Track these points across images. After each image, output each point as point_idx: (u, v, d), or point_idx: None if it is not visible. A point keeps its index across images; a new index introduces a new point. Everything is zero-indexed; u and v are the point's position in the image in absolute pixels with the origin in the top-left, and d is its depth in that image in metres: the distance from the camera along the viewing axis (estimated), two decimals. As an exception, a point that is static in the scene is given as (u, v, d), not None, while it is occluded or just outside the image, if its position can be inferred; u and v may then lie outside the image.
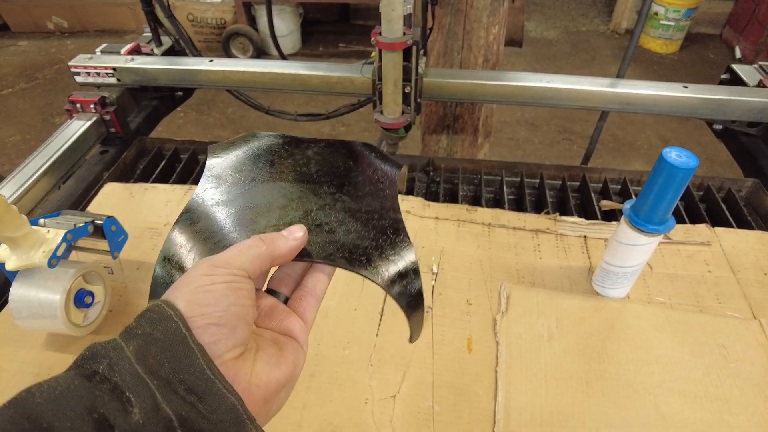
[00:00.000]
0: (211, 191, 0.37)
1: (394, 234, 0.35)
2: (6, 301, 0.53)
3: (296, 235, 0.32)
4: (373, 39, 0.73)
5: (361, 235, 0.34)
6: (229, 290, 0.28)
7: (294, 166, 0.39)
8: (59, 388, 0.23)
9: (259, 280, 0.34)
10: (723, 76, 0.93)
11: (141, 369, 0.24)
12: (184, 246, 0.34)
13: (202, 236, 0.34)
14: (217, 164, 0.39)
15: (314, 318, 0.33)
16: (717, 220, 0.71)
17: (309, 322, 0.33)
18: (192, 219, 0.35)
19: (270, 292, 0.34)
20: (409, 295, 0.34)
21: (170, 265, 0.33)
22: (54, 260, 0.48)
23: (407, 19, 0.72)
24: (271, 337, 0.31)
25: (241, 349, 0.28)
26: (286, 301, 0.34)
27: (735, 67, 0.91)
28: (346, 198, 0.37)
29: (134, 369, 0.24)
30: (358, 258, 0.33)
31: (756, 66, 0.89)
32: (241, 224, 0.34)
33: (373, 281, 0.33)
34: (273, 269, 0.35)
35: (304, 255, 0.33)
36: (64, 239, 0.48)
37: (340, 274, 0.60)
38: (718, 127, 0.89)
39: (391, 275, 0.33)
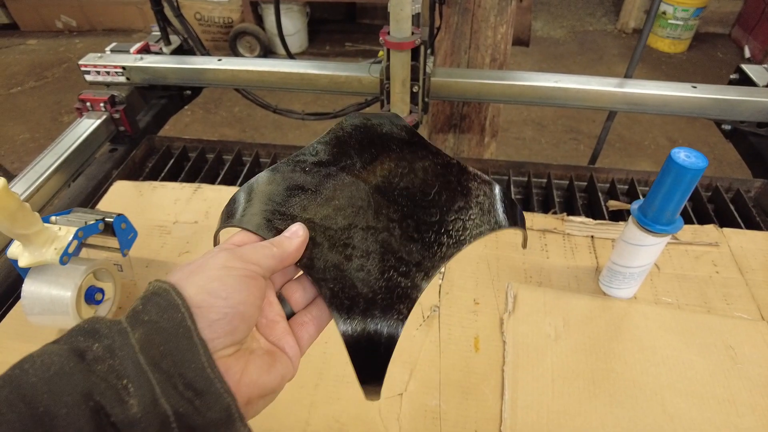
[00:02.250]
0: (312, 158, 0.37)
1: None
2: (19, 298, 0.54)
3: (297, 233, 0.32)
4: (381, 38, 0.73)
5: (367, 281, 0.32)
6: (243, 284, 0.28)
7: (390, 171, 0.37)
8: (54, 367, 0.22)
9: (270, 290, 0.34)
10: (732, 76, 0.93)
11: (144, 359, 0.24)
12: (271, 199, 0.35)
13: (278, 198, 0.35)
14: (338, 133, 0.39)
15: (309, 345, 0.33)
16: (725, 220, 0.71)
17: (303, 349, 0.33)
18: (288, 176, 0.36)
19: (280, 298, 0.33)
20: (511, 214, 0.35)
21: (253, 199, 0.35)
22: (65, 257, 0.48)
23: (415, 19, 0.73)
24: (266, 345, 0.31)
25: (237, 347, 0.28)
26: (290, 315, 0.33)
27: (745, 67, 0.91)
28: (397, 233, 0.34)
29: (137, 359, 0.24)
30: (343, 302, 0.31)
31: (766, 66, 0.89)
32: (298, 207, 0.35)
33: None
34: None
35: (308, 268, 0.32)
36: (75, 236, 0.49)
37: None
38: (727, 127, 0.88)
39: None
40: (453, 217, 0.34)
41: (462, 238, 0.33)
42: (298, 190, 0.35)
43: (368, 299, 0.31)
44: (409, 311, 0.31)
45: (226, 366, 0.26)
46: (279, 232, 0.33)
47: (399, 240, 0.33)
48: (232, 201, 0.36)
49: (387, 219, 0.34)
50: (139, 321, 0.25)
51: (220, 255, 0.29)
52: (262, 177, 0.36)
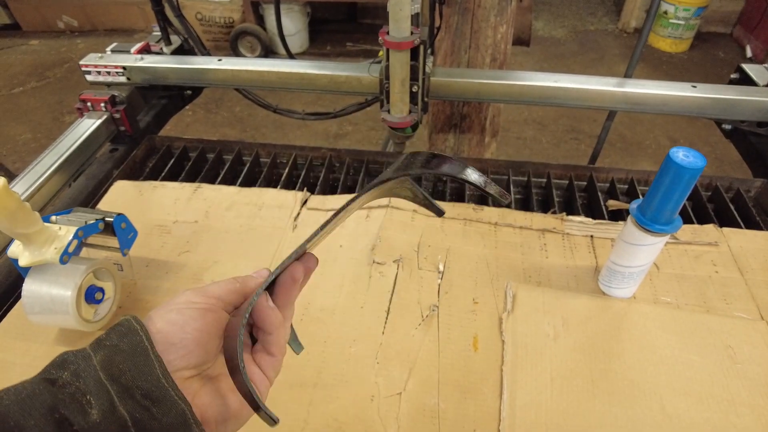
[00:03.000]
0: None
1: None
2: (19, 297, 0.54)
3: (262, 274, 0.36)
4: (380, 38, 0.73)
5: None
6: (200, 315, 0.31)
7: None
8: (25, 392, 0.26)
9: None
10: (733, 76, 0.93)
11: (104, 376, 0.27)
12: None
13: None
14: None
15: (276, 375, 0.35)
16: (725, 220, 0.71)
17: (270, 379, 0.34)
18: None
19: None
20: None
21: None
22: (66, 257, 0.48)
23: (414, 19, 0.73)
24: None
25: (194, 372, 0.31)
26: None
27: (745, 66, 0.90)
28: None
29: (98, 375, 0.27)
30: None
31: (766, 65, 0.89)
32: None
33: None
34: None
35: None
36: (75, 236, 0.49)
37: (347, 271, 0.61)
38: (727, 126, 0.88)
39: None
40: None
41: None
42: None
43: None
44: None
45: (182, 386, 0.29)
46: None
47: None
48: None
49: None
50: (102, 346, 0.29)
51: (186, 293, 0.33)
52: None
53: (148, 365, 0.28)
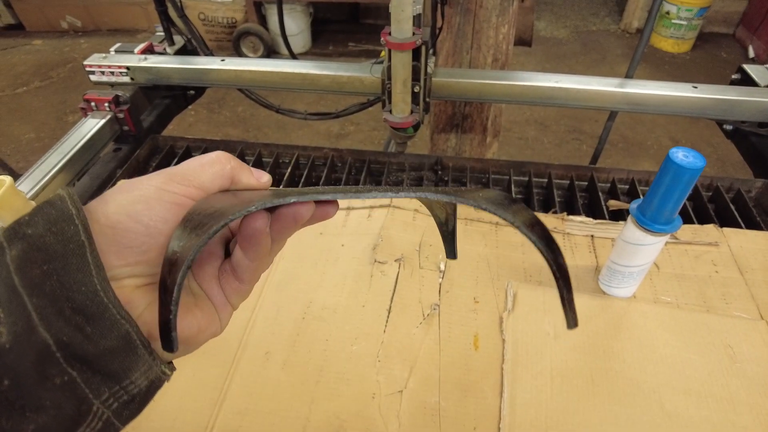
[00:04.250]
0: None
1: None
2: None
3: (262, 179, 0.28)
4: (382, 39, 0.74)
5: None
6: (173, 212, 0.24)
7: None
8: None
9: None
10: (734, 76, 0.93)
11: (19, 281, 0.20)
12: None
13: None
14: None
15: (238, 302, 0.28)
16: (726, 220, 0.71)
17: (232, 302, 0.28)
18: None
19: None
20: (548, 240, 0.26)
21: None
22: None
23: (416, 19, 0.73)
24: (193, 287, 0.27)
25: (147, 280, 0.25)
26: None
27: (746, 67, 0.91)
28: None
29: (11, 280, 0.20)
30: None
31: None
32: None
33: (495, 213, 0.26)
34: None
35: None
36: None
37: (348, 270, 0.61)
38: (729, 127, 0.88)
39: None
40: None
41: None
42: None
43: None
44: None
45: (127, 298, 0.23)
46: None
47: None
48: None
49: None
50: (20, 235, 0.21)
51: (159, 175, 0.25)
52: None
53: (83, 270, 0.21)
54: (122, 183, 0.25)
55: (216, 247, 0.28)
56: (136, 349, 0.22)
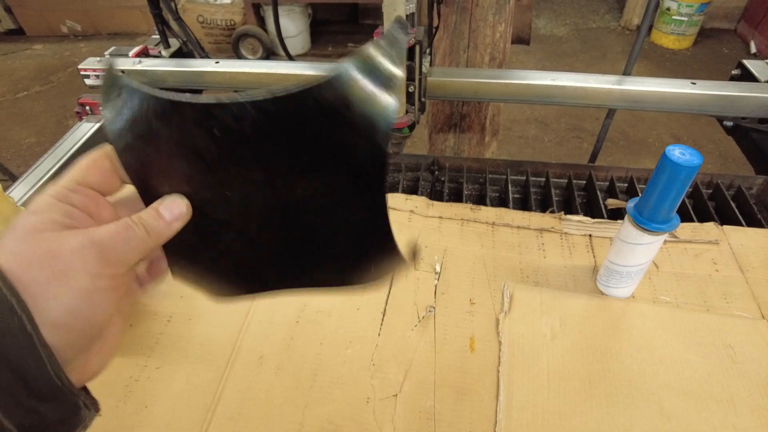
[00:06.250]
0: (233, 122, 0.26)
1: None
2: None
3: (181, 215, 0.27)
4: (375, 38, 0.73)
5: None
6: (109, 300, 0.24)
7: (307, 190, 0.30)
8: None
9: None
10: (734, 72, 0.92)
11: None
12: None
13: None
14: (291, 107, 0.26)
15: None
16: (726, 218, 0.70)
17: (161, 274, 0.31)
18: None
19: None
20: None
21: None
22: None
23: (410, 19, 0.72)
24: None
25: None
26: None
27: (746, 62, 0.90)
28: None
29: None
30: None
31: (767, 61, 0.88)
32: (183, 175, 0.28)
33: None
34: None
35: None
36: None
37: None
38: (729, 123, 0.88)
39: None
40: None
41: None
42: (195, 156, 0.26)
43: None
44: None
45: (71, 368, 0.24)
46: (149, 189, 0.27)
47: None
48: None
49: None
50: None
51: (89, 257, 0.23)
52: (160, 105, 0.26)
53: (36, 359, 0.21)
54: (41, 256, 0.23)
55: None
56: (80, 411, 0.24)
